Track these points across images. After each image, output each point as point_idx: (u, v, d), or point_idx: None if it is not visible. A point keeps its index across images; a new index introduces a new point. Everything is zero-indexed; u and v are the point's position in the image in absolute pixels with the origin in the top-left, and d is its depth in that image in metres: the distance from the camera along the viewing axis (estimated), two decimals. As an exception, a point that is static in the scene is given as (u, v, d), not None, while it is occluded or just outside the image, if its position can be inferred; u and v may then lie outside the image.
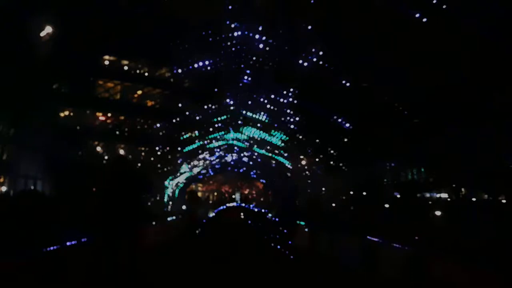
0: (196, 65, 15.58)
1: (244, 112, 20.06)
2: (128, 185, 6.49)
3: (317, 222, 14.20)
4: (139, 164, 20.16)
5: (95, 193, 6.68)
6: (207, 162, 31.45)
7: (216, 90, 17.39)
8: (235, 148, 28.48)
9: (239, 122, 21.60)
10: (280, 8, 12.30)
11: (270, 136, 22.49)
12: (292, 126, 19.86)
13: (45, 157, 14.44)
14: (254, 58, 15.49)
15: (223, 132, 23.26)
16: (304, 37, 12.96)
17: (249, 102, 18.98)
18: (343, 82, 14.27)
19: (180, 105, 18.19)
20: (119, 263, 6.40)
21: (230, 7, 12.72)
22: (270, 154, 26.69)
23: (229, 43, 14.68)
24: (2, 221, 6.43)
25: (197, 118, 19.12)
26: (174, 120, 19.11)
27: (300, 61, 14.25)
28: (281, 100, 17.28)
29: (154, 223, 12.95)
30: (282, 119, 19.25)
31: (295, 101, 17.10)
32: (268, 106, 18.59)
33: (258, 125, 21.40)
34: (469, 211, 13.44)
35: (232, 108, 19.82)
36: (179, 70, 16.11)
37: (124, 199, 6.34)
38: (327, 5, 11.42)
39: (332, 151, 20.62)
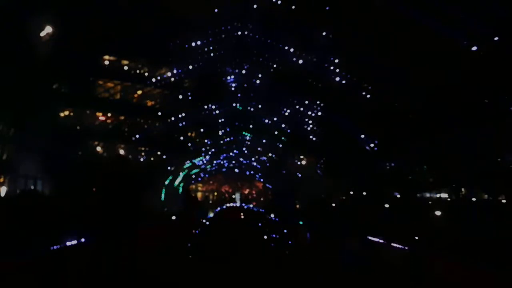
0: (197, 65, 15.62)
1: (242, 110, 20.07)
2: (128, 184, 6.49)
3: (317, 222, 14.21)
4: (138, 164, 20.15)
5: (95, 193, 6.69)
6: (208, 162, 31.46)
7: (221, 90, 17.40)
8: (239, 150, 28.58)
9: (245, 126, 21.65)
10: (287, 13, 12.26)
11: (272, 137, 22.51)
12: (293, 127, 19.89)
13: (45, 157, 14.42)
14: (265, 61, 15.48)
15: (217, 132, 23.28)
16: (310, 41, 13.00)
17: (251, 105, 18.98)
18: (345, 82, 14.27)
19: (182, 106, 18.23)
20: (119, 263, 6.41)
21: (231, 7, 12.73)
22: (270, 154, 26.71)
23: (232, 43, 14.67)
24: (3, 221, 6.43)
25: (200, 119, 19.14)
26: (175, 120, 19.11)
27: (302, 60, 14.23)
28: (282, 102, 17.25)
29: (154, 222, 12.95)
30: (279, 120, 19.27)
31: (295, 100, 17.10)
32: (268, 104, 18.51)
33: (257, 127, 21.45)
34: (469, 211, 13.43)
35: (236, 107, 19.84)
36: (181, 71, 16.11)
37: (124, 199, 6.34)
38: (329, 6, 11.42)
39: (332, 151, 20.61)
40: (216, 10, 12.61)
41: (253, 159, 30.95)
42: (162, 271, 8.63)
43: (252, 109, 19.74)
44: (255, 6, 12.48)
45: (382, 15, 10.62)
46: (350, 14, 11.49)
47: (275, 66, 15.65)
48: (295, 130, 20.05)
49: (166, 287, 7.79)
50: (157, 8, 12.84)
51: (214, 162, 32.70)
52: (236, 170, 37.56)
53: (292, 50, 14.08)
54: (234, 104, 19.32)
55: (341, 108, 15.96)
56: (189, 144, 22.60)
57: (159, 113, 19.25)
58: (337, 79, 14.25)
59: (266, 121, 20.41)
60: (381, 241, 9.94)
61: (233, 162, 33.98)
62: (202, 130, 22.07)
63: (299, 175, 26.52)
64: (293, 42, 13.71)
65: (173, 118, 19.02)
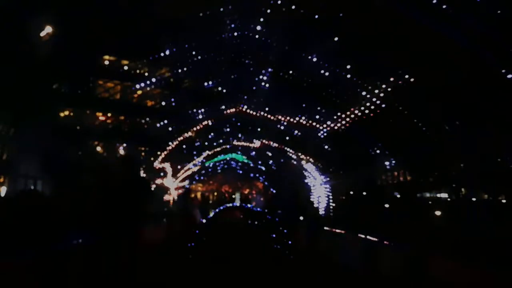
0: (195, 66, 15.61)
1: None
2: (133, 185, 6.51)
3: (317, 222, 14.21)
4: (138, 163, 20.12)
5: (95, 193, 6.67)
6: (207, 163, 31.54)
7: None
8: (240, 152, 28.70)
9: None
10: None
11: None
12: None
13: (45, 157, 14.42)
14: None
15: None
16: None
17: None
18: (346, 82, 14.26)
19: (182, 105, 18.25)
20: (119, 264, 6.40)
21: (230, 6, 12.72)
22: (270, 154, 26.74)
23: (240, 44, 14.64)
24: (3, 221, 6.42)
25: (201, 120, 19.18)
26: (176, 121, 19.14)
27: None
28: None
29: (154, 222, 12.95)
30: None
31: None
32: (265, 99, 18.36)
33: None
34: (469, 211, 13.43)
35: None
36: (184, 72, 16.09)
37: (125, 199, 6.34)
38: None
39: (332, 151, 20.61)
40: (211, 12, 12.59)
41: (259, 162, 31.06)
42: (162, 271, 8.63)
43: (258, 112, 19.66)
44: (267, 10, 12.43)
45: (382, 15, 10.62)
46: (350, 14, 11.49)
47: (275, 66, 15.60)
48: (299, 131, 20.04)
49: (166, 286, 7.80)
50: (159, 8, 12.82)
51: (212, 163, 32.81)
52: (240, 172, 37.64)
53: (287, 48, 14.04)
54: (222, 107, 19.22)
55: (342, 108, 15.93)
56: (184, 146, 22.65)
57: (159, 113, 19.26)
58: (339, 78, 14.22)
59: (270, 123, 20.35)
60: (381, 241, 9.94)
61: (239, 164, 34.11)
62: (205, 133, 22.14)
63: (300, 175, 26.55)
64: (292, 41, 13.66)
65: (176, 118, 19.04)
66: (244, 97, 18.54)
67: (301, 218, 16.12)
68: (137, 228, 6.69)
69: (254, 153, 28.42)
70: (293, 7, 12.05)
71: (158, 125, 19.88)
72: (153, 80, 17.58)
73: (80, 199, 6.82)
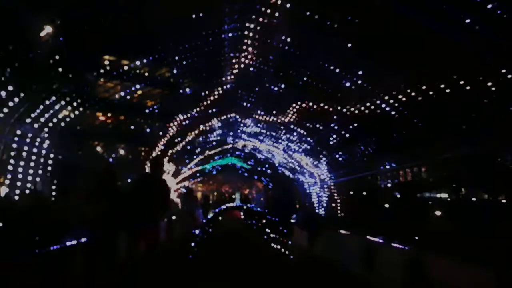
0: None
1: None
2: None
3: (317, 222, 14.23)
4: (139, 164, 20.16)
5: (97, 194, 6.66)
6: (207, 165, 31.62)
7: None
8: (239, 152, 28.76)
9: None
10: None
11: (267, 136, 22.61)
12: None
13: (45, 157, 14.40)
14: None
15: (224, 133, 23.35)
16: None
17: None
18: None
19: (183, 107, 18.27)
20: (119, 264, 6.41)
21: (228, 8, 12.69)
22: (273, 155, 26.75)
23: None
24: (3, 221, 6.43)
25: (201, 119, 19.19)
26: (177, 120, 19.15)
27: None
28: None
29: (154, 222, 12.96)
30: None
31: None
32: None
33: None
34: (469, 211, 13.43)
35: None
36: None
37: (130, 201, 6.38)
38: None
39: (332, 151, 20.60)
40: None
41: (266, 165, 31.14)
42: (162, 271, 8.64)
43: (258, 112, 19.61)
44: (267, 9, 12.35)
45: (381, 15, 10.60)
46: (347, 13, 11.47)
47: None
48: (299, 132, 20.03)
49: (166, 286, 7.81)
50: (159, 8, 12.77)
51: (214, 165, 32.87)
52: (245, 174, 37.73)
53: (291, 49, 14.03)
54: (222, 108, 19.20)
55: (343, 108, 15.89)
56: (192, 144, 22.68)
57: (159, 114, 19.23)
58: (343, 80, 14.19)
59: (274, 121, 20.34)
60: (381, 241, 9.94)
61: (244, 166, 34.23)
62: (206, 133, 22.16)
63: (301, 178, 26.55)
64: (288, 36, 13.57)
65: (176, 119, 19.03)
66: (244, 97, 18.53)
67: (293, 217, 16.18)
68: (137, 228, 6.69)
69: (261, 156, 28.53)
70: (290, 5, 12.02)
71: (157, 124, 19.90)
72: (153, 80, 17.60)
73: (80, 199, 6.83)
